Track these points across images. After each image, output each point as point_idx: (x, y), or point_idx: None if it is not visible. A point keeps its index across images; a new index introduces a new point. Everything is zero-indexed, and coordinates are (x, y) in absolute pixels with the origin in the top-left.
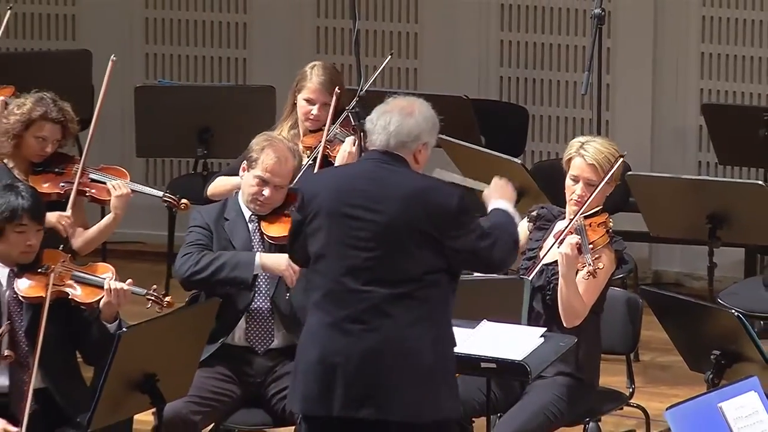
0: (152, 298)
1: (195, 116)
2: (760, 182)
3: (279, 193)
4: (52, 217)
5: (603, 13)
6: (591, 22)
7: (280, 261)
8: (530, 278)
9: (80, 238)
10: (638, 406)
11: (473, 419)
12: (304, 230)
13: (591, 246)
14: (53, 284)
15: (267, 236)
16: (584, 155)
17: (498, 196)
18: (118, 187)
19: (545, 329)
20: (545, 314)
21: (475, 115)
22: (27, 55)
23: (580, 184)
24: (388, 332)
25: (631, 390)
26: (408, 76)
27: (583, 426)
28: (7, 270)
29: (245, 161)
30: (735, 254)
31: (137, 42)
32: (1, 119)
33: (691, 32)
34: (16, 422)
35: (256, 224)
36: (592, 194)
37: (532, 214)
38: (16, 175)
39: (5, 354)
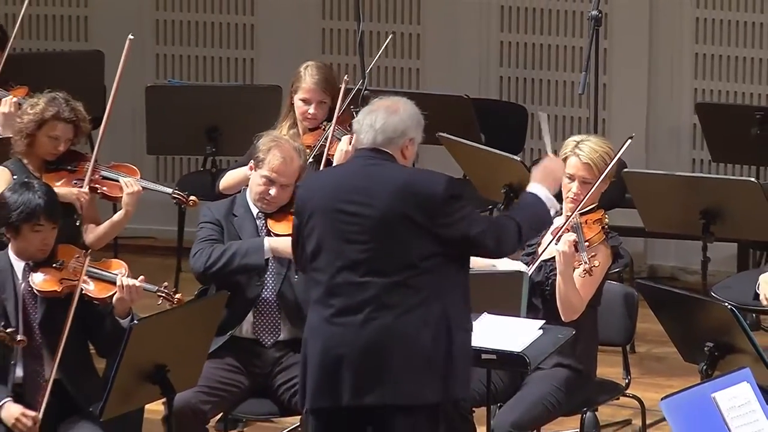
0: (163, 294)
1: (204, 115)
2: (752, 179)
3: (285, 191)
4: (71, 192)
5: (600, 14)
6: (588, 23)
7: (287, 243)
8: (529, 273)
9: (92, 233)
10: (634, 397)
11: (473, 409)
12: (301, 235)
13: (587, 243)
14: (67, 279)
15: (273, 234)
16: (579, 155)
17: (539, 179)
18: (129, 184)
19: (544, 322)
20: (543, 308)
21: (475, 113)
22: (41, 56)
23: (576, 183)
24: (386, 321)
25: (627, 381)
26: (410, 76)
27: (580, 415)
28: (23, 263)
29: (252, 160)
30: (728, 249)
31: (148, 43)
32: (15, 119)
33: (685, 33)
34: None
35: (263, 221)
36: (588, 192)
37: None
38: (32, 172)
39: (18, 339)
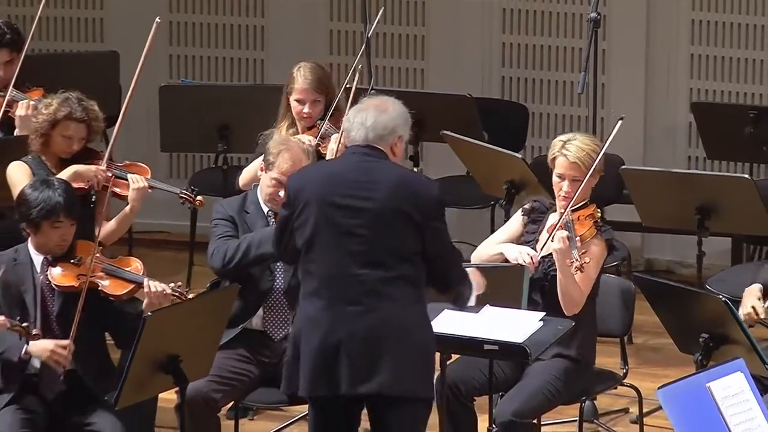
0: (176, 294)
1: (215, 113)
2: (746, 176)
3: None
4: (89, 170)
5: (599, 16)
6: (587, 25)
7: None
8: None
9: (102, 229)
10: (631, 386)
11: (475, 398)
12: (291, 225)
13: (579, 239)
14: (84, 275)
15: None
16: (566, 154)
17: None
18: (135, 180)
19: (545, 314)
20: (543, 303)
21: (478, 112)
22: (58, 57)
23: (566, 181)
24: (385, 312)
25: (624, 371)
26: (415, 77)
27: (579, 404)
28: (41, 257)
29: (262, 161)
30: (722, 243)
31: (162, 44)
32: (30, 120)
33: (681, 35)
34: (45, 402)
35: (273, 219)
36: (577, 190)
37: (526, 207)
38: (49, 168)
39: (34, 333)
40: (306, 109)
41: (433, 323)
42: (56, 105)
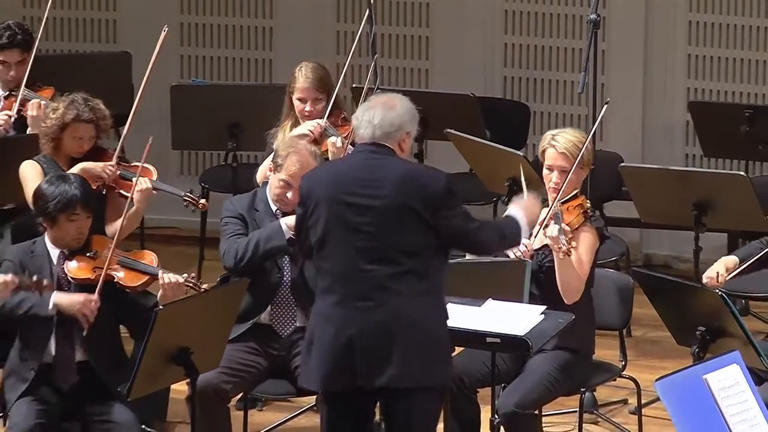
0: (190, 284)
1: (225, 112)
2: (742, 173)
3: None
4: (97, 166)
5: (598, 18)
6: (587, 26)
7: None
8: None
9: (111, 227)
10: (630, 378)
11: (478, 390)
12: (305, 224)
13: (567, 227)
14: (100, 268)
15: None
16: (555, 145)
17: (522, 209)
18: (140, 182)
19: (546, 307)
20: (540, 294)
21: (481, 111)
22: (72, 57)
23: (555, 173)
24: (395, 306)
25: (623, 363)
26: (420, 76)
27: (579, 396)
28: (58, 251)
29: (271, 162)
30: (718, 239)
31: (173, 44)
32: (40, 122)
33: (678, 36)
34: (59, 393)
35: (281, 218)
36: (565, 180)
37: None
38: (61, 166)
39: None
40: (308, 108)
41: None
42: (63, 109)
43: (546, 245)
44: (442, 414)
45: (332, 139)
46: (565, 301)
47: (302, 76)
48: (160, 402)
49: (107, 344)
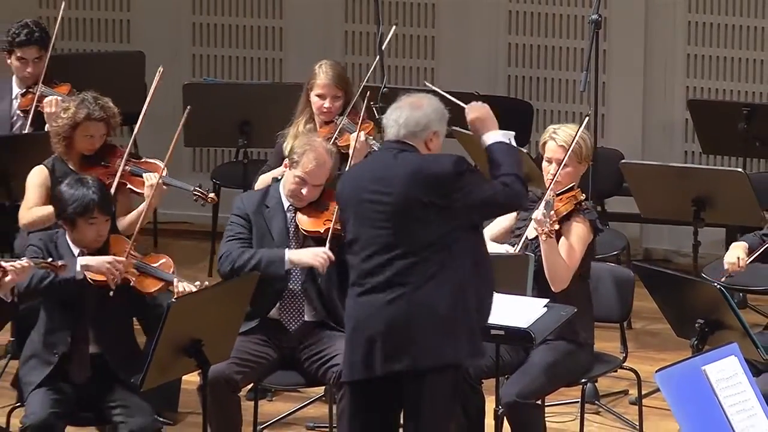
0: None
1: (236, 110)
2: (739, 170)
3: (316, 190)
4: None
5: (599, 18)
6: (589, 26)
7: (303, 255)
8: (516, 251)
9: (122, 222)
10: (631, 369)
11: (482, 381)
12: (342, 223)
13: (553, 212)
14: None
15: (302, 228)
16: (555, 138)
17: (483, 125)
18: (148, 178)
19: (548, 300)
20: (536, 285)
21: None
22: (87, 56)
23: (554, 165)
24: (408, 297)
25: (624, 354)
26: (426, 75)
27: (581, 386)
28: (78, 249)
29: (287, 158)
30: (717, 233)
31: (185, 44)
32: (52, 120)
33: (678, 36)
34: (74, 385)
35: (293, 214)
36: (557, 171)
37: None
38: (71, 167)
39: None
40: (326, 104)
41: None
42: (74, 108)
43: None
44: None
45: (354, 134)
46: (553, 289)
47: (322, 73)
48: (172, 392)
49: (120, 338)
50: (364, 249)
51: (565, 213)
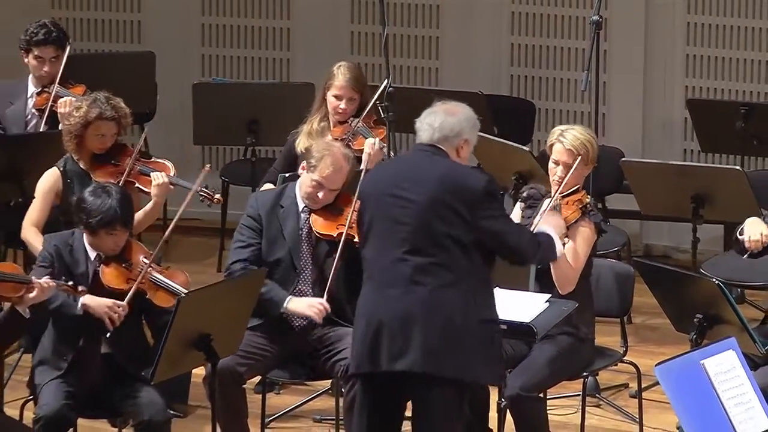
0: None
1: (245, 109)
2: (737, 167)
3: (332, 194)
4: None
5: (600, 19)
6: (590, 27)
7: (299, 306)
8: None
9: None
10: (631, 363)
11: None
12: (362, 217)
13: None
14: (133, 280)
15: (315, 230)
16: (563, 141)
17: (548, 224)
18: (156, 177)
19: (550, 296)
20: (539, 282)
21: (488, 108)
22: (99, 56)
23: (560, 167)
24: (421, 295)
25: (624, 348)
26: (430, 75)
27: (582, 380)
28: (94, 253)
29: (305, 161)
30: (715, 230)
31: (194, 44)
32: (65, 119)
33: (677, 36)
34: (82, 386)
35: (307, 215)
36: (566, 178)
37: (523, 194)
38: (82, 167)
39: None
40: (342, 105)
41: None
42: (86, 107)
43: None
44: None
45: (370, 140)
46: (560, 291)
47: (341, 74)
48: (183, 385)
49: (131, 337)
50: (380, 243)
51: (573, 221)
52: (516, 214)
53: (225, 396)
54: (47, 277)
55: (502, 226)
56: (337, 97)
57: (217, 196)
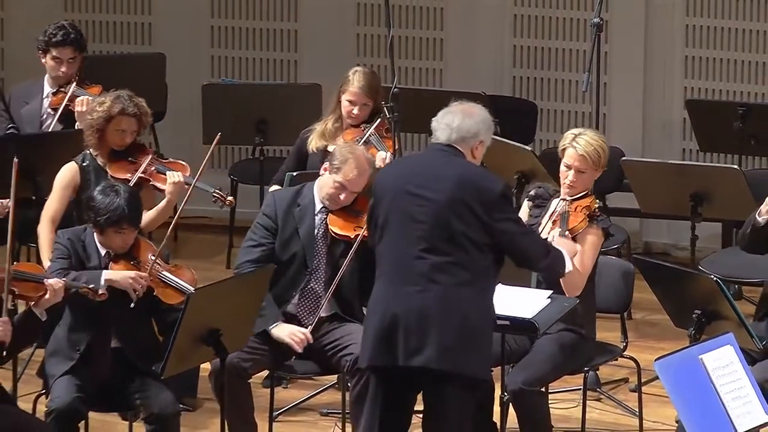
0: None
1: (253, 109)
2: (735, 167)
3: (352, 196)
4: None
5: (601, 21)
6: (591, 29)
7: (282, 333)
8: None
9: (144, 218)
10: (631, 358)
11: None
12: (375, 213)
13: (568, 233)
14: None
15: (332, 230)
16: (576, 147)
17: (561, 246)
18: (171, 176)
19: (552, 292)
20: (544, 281)
21: (491, 109)
22: (111, 58)
23: (572, 172)
24: (437, 293)
25: (624, 344)
26: (434, 76)
27: (583, 374)
28: (104, 250)
29: (327, 162)
30: (714, 228)
31: (204, 46)
32: (83, 118)
33: (676, 38)
34: (93, 380)
35: (324, 216)
36: (581, 180)
37: (531, 193)
38: (99, 162)
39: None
40: (355, 111)
41: None
42: (110, 102)
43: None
44: None
45: (381, 154)
46: (568, 295)
47: (355, 80)
48: (192, 379)
49: (141, 334)
50: (396, 240)
51: (580, 231)
52: (524, 213)
53: (230, 390)
54: (56, 278)
55: (516, 229)
56: (350, 102)
57: (230, 198)
